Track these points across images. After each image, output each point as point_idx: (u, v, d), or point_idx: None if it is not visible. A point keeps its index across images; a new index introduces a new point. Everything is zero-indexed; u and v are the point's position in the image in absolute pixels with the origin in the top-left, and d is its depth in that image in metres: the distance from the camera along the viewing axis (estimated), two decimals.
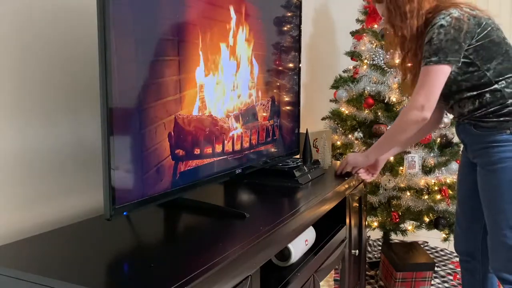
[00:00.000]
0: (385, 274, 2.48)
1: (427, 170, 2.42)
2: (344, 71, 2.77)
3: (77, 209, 1.29)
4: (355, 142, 2.52)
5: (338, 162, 2.20)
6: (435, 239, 2.93)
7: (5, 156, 1.11)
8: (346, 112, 2.59)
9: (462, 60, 1.44)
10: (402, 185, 2.37)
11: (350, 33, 2.80)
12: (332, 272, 1.66)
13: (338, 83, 2.68)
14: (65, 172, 1.27)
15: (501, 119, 1.44)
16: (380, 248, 3.02)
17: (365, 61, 2.57)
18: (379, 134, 2.44)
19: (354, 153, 1.79)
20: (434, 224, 2.38)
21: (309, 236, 1.44)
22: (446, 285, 2.50)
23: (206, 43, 1.27)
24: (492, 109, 1.45)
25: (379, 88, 2.49)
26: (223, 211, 1.30)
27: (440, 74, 1.43)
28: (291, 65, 1.85)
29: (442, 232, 2.39)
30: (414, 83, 1.56)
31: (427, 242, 3.12)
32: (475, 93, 1.47)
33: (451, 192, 2.37)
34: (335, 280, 1.71)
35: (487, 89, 1.45)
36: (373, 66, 2.53)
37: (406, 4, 1.50)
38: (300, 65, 1.94)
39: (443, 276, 2.62)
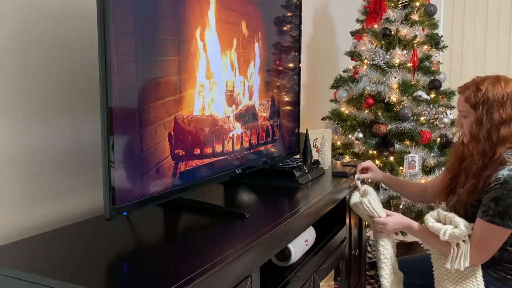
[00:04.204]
0: None
1: (427, 170, 2.42)
2: (344, 71, 2.77)
3: (77, 209, 1.29)
4: (355, 142, 2.52)
5: (338, 162, 2.20)
6: None
7: (5, 156, 1.11)
8: (346, 112, 2.59)
9: None
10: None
11: (350, 33, 2.80)
12: (332, 272, 1.65)
13: (338, 83, 2.67)
14: (65, 172, 1.26)
15: None
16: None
17: (365, 61, 2.57)
18: (379, 134, 2.44)
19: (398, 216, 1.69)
20: None
21: (309, 236, 1.44)
22: None
23: (207, 43, 1.27)
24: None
25: (379, 88, 2.48)
26: (223, 211, 1.30)
27: (502, 234, 1.41)
28: (291, 65, 1.85)
29: None
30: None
31: None
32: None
33: None
34: (335, 280, 1.71)
35: None
36: (373, 66, 2.53)
37: (501, 127, 1.42)
38: (300, 65, 1.94)
39: None
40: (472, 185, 1.46)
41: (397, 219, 1.65)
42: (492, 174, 1.41)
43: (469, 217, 1.45)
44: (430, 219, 1.51)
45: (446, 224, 1.46)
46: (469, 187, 1.47)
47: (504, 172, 1.38)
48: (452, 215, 1.47)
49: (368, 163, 1.88)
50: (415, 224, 1.62)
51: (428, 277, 1.54)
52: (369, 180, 2.03)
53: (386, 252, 1.66)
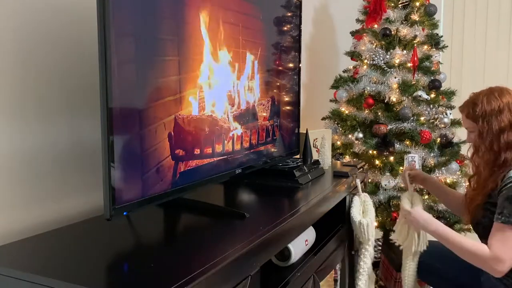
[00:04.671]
0: (385, 274, 2.48)
1: (427, 170, 2.42)
2: (344, 71, 2.77)
3: (77, 209, 1.29)
4: (355, 142, 2.52)
5: (338, 162, 2.20)
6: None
7: (5, 156, 1.11)
8: (346, 112, 2.59)
9: None
10: (402, 185, 2.37)
11: (350, 33, 2.80)
12: (332, 272, 1.66)
13: (338, 83, 2.67)
14: (65, 172, 1.26)
15: None
16: (380, 248, 3.02)
17: (365, 61, 2.56)
18: (379, 134, 2.43)
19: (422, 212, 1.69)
20: None
21: (309, 236, 1.44)
22: None
23: (206, 43, 1.27)
24: None
25: (379, 88, 2.48)
26: (223, 211, 1.30)
27: None
28: (291, 65, 1.85)
29: None
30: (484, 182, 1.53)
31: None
32: None
33: None
34: (335, 280, 1.71)
35: None
36: (373, 66, 2.53)
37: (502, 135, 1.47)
38: (300, 65, 1.94)
39: None
40: (482, 190, 1.52)
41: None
42: (505, 174, 1.44)
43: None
44: (404, 199, 1.73)
45: (415, 204, 1.70)
46: (479, 191, 1.53)
47: None
48: (418, 196, 1.75)
49: (416, 172, 1.95)
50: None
51: (446, 262, 1.61)
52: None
53: (365, 266, 1.74)
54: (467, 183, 1.72)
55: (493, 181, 1.47)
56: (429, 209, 2.37)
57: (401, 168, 2.39)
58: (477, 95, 1.57)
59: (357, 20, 2.75)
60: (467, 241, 1.51)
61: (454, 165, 2.44)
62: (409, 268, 1.77)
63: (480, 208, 1.51)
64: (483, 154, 1.51)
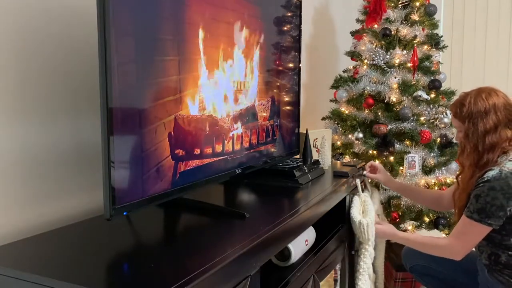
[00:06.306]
0: (385, 274, 2.48)
1: (427, 170, 2.42)
2: (344, 71, 2.77)
3: (77, 209, 1.29)
4: (355, 142, 2.52)
5: (338, 162, 2.20)
6: None
7: (5, 156, 1.11)
8: (346, 112, 2.59)
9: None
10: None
11: (350, 33, 2.80)
12: (332, 272, 1.66)
13: (338, 83, 2.67)
14: (65, 172, 1.26)
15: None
16: None
17: (365, 61, 2.57)
18: (379, 134, 2.44)
19: (387, 226, 1.79)
20: (434, 224, 2.38)
21: (309, 236, 1.44)
22: None
23: (207, 43, 1.27)
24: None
25: (379, 88, 2.48)
26: (223, 211, 1.30)
27: (480, 231, 1.48)
28: (291, 65, 1.85)
29: (442, 232, 2.39)
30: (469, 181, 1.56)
31: None
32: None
33: None
34: (335, 280, 1.71)
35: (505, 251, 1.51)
36: (373, 66, 2.53)
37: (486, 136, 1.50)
38: (300, 65, 1.94)
39: None
40: (464, 191, 1.56)
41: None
42: (479, 176, 1.49)
43: None
44: (367, 199, 1.82)
45: (373, 197, 1.87)
46: (464, 194, 1.57)
47: (491, 173, 1.45)
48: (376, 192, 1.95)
49: (377, 164, 2.00)
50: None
51: (442, 263, 1.67)
52: (369, 180, 2.04)
53: (365, 266, 1.75)
54: (455, 183, 1.75)
55: (472, 183, 1.52)
56: (429, 209, 2.37)
57: (401, 168, 2.39)
58: (466, 95, 1.59)
59: (357, 20, 2.75)
60: (424, 236, 1.68)
61: (454, 165, 2.44)
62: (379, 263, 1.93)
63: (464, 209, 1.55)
64: (468, 154, 1.55)
